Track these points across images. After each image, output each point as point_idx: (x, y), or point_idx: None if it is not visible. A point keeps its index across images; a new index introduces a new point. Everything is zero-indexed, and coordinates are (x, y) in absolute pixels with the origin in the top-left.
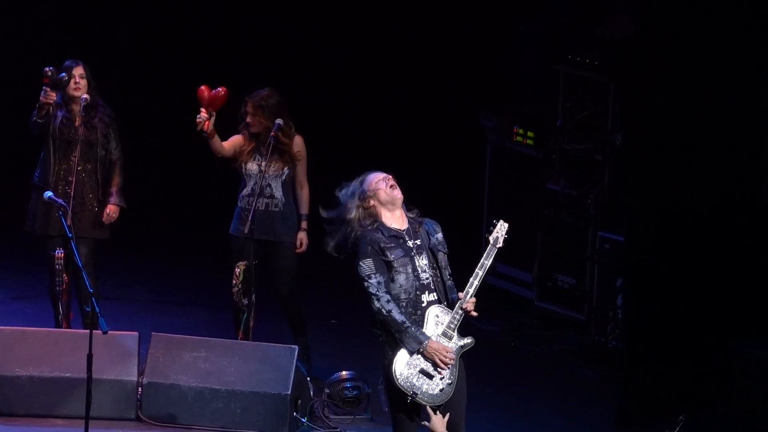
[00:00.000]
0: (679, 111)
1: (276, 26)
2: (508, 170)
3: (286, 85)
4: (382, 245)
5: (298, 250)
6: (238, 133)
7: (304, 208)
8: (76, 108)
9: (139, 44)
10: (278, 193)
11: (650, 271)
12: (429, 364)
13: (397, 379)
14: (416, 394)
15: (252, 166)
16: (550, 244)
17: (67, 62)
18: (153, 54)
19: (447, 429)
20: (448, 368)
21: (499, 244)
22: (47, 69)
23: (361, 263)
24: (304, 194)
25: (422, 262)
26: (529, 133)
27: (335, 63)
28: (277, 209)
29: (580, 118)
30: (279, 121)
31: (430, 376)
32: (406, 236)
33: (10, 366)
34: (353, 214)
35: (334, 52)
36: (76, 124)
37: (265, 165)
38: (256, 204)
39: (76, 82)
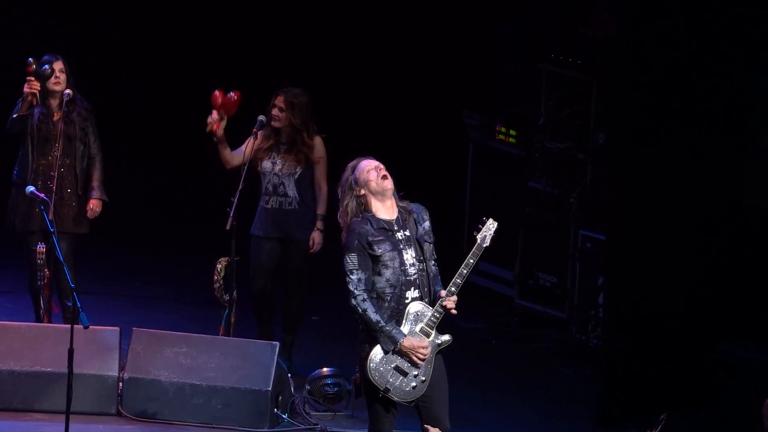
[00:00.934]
0: (661, 110)
1: (262, 25)
2: (491, 168)
3: (274, 83)
4: (370, 239)
5: (311, 250)
6: (249, 137)
7: (321, 208)
8: (54, 103)
9: (138, 37)
10: (291, 191)
11: (632, 269)
12: (404, 361)
13: (372, 374)
14: (389, 390)
15: (266, 164)
16: (532, 242)
17: (46, 57)
18: (146, 48)
19: (430, 423)
20: (422, 366)
21: (486, 243)
22: (30, 59)
23: (346, 256)
24: (322, 194)
25: (410, 255)
26: (512, 132)
27: (318, 60)
28: (290, 207)
29: (562, 116)
30: (261, 117)
31: (404, 373)
32: (396, 227)
33: None
34: (345, 202)
35: (319, 49)
36: (55, 119)
37: (278, 162)
38: (269, 203)
39: (56, 77)
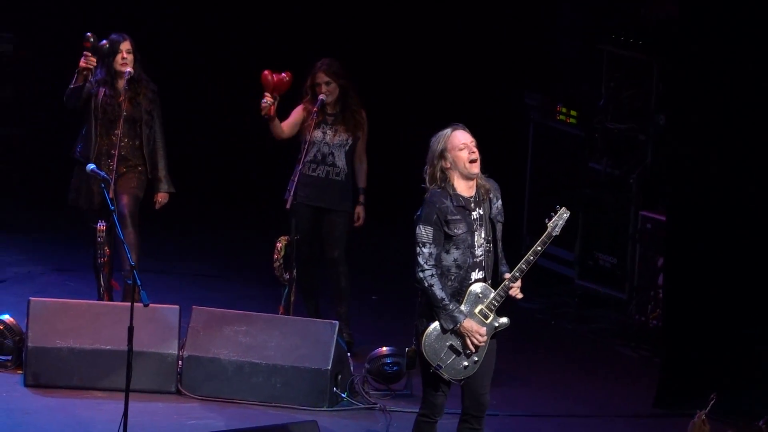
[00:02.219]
0: (722, 91)
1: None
2: (551, 149)
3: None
4: (449, 217)
5: (356, 224)
6: (297, 108)
7: (363, 182)
8: (121, 83)
9: (180, 22)
10: (341, 162)
11: (692, 251)
12: (459, 342)
13: (426, 350)
14: (440, 367)
15: (317, 133)
16: (592, 223)
17: (114, 36)
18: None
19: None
20: (477, 349)
21: (557, 232)
22: (89, 34)
23: (420, 226)
24: (363, 168)
25: (481, 236)
26: (572, 112)
27: (380, 39)
28: (338, 178)
29: (623, 97)
30: (322, 96)
31: (458, 353)
32: (473, 204)
33: (51, 338)
34: (430, 169)
35: (381, 27)
36: (120, 99)
37: (329, 132)
38: (316, 171)
39: (123, 58)
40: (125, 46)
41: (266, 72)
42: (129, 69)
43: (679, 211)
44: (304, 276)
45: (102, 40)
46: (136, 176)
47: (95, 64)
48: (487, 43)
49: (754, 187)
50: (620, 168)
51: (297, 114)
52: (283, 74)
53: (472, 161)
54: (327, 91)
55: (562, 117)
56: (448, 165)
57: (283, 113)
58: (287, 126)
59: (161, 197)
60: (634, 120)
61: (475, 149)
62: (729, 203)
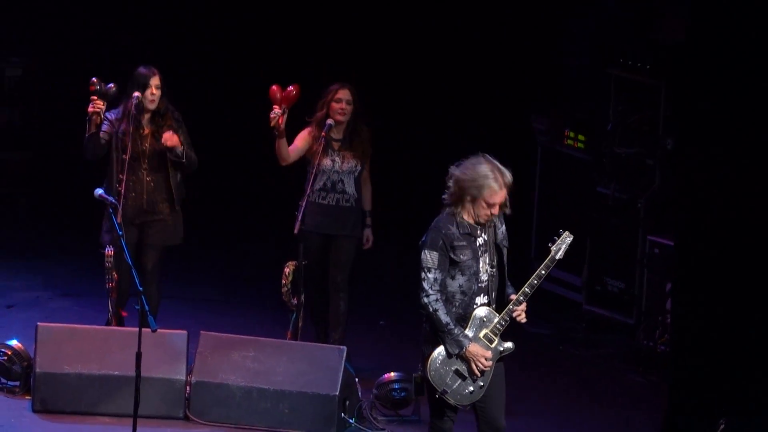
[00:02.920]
0: (730, 115)
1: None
2: (559, 173)
3: (335, 74)
4: (455, 243)
5: (365, 246)
6: (302, 132)
7: (369, 204)
8: (146, 117)
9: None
10: (350, 188)
11: (700, 276)
12: (464, 366)
13: (431, 375)
14: (446, 392)
15: (326, 162)
16: (600, 247)
17: (143, 70)
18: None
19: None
20: (483, 373)
21: (560, 256)
22: (94, 79)
23: (425, 252)
24: (368, 191)
25: (486, 261)
26: (580, 137)
27: (385, 61)
28: (348, 204)
29: (631, 121)
30: (330, 121)
31: (463, 377)
32: (478, 231)
33: (59, 363)
34: (456, 191)
35: (385, 50)
36: (145, 132)
37: (338, 160)
38: (326, 199)
39: (152, 94)
40: (155, 81)
41: (274, 87)
42: (136, 93)
43: (687, 236)
44: (318, 302)
45: (109, 83)
46: (165, 224)
47: (102, 107)
48: (496, 67)
49: (762, 211)
50: (628, 192)
51: (302, 139)
52: (290, 87)
53: (492, 213)
54: (346, 110)
55: (570, 141)
56: (467, 199)
57: (290, 134)
58: (293, 151)
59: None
60: (642, 144)
61: (499, 205)
62: (737, 228)
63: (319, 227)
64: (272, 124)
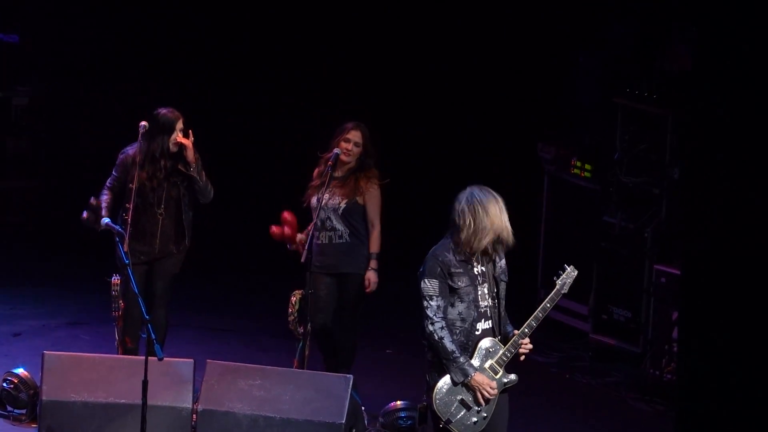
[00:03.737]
0: (738, 145)
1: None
2: (565, 202)
3: (343, 110)
4: (452, 270)
5: (367, 290)
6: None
7: (375, 247)
8: (164, 161)
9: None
10: (339, 225)
11: (707, 305)
12: (470, 396)
13: (436, 404)
14: (450, 421)
15: (314, 200)
16: (606, 276)
17: (166, 112)
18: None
19: None
20: (487, 404)
21: (565, 290)
22: (83, 215)
23: (425, 281)
24: (374, 233)
25: (484, 290)
26: (587, 166)
27: (393, 89)
28: (341, 240)
29: (637, 151)
30: (336, 150)
31: (468, 407)
32: (475, 262)
33: (65, 391)
34: (463, 229)
35: (392, 76)
36: (161, 177)
37: (325, 196)
38: (319, 238)
39: (176, 142)
40: (179, 125)
41: (273, 230)
42: (143, 123)
43: (693, 265)
44: (323, 340)
45: (102, 206)
46: (176, 257)
47: (100, 228)
48: (503, 96)
49: None
50: (635, 222)
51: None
52: (285, 215)
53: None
54: (352, 151)
55: (576, 170)
56: (470, 228)
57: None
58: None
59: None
60: (649, 173)
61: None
62: (744, 257)
63: (320, 267)
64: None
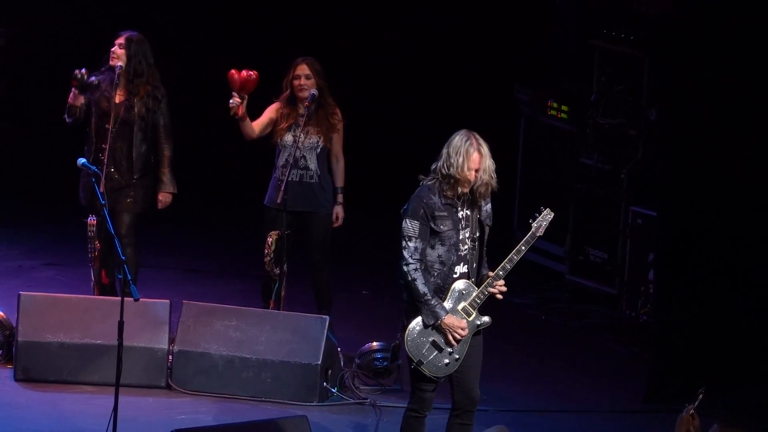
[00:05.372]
0: (714, 87)
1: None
2: (542, 144)
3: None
4: (436, 213)
5: (335, 225)
6: (270, 106)
7: (340, 181)
8: (120, 80)
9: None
10: (313, 164)
11: (683, 246)
12: (441, 338)
13: (408, 345)
14: (422, 363)
15: (288, 137)
16: (583, 218)
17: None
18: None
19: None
20: (458, 345)
21: (540, 233)
22: (76, 72)
23: (406, 220)
24: (339, 167)
25: (465, 234)
26: (564, 107)
27: (369, 35)
28: (312, 180)
29: (614, 92)
30: (314, 91)
31: (440, 349)
32: (460, 205)
33: (41, 332)
34: (443, 167)
35: (367, 24)
36: (116, 100)
37: (301, 136)
38: (289, 175)
39: (112, 52)
40: (118, 40)
41: (232, 71)
42: (119, 63)
43: (669, 207)
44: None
45: (91, 76)
46: (135, 190)
47: (83, 102)
48: (479, 38)
49: (745, 182)
50: (611, 163)
51: (269, 113)
52: (251, 72)
53: (468, 183)
54: (305, 85)
55: (553, 112)
56: (451, 176)
57: (254, 114)
58: (258, 125)
59: (163, 197)
60: (626, 115)
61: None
62: (720, 199)
63: (285, 203)
64: (231, 113)
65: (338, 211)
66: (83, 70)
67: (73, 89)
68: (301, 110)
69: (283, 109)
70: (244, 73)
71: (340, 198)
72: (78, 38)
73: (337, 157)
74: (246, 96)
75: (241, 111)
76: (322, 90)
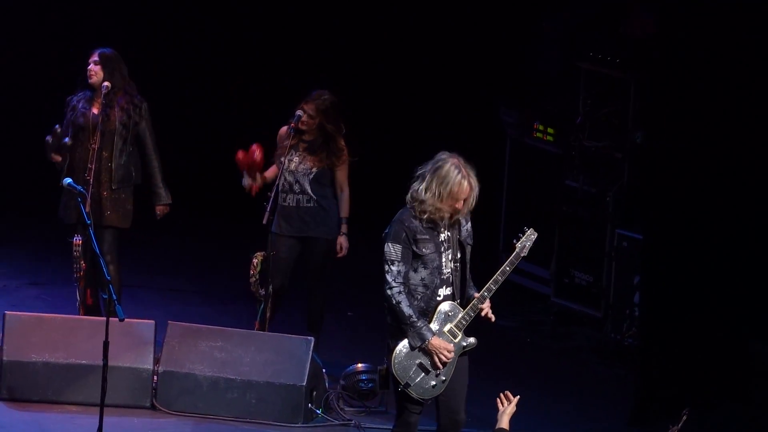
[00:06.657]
0: (699, 109)
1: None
2: (528, 166)
3: (305, 80)
4: (418, 236)
5: (339, 255)
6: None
7: (344, 211)
8: (97, 97)
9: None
10: (309, 189)
11: (667, 269)
12: (427, 360)
13: (395, 368)
14: (408, 385)
15: (285, 161)
16: (568, 240)
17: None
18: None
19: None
20: (444, 367)
21: (525, 253)
22: (48, 138)
23: (388, 244)
24: (344, 197)
25: (448, 257)
26: (549, 130)
27: (354, 56)
28: (310, 205)
29: (600, 115)
30: (299, 112)
31: (426, 371)
32: (441, 227)
33: (26, 352)
34: (418, 193)
35: (353, 44)
36: (96, 111)
37: (295, 159)
38: (285, 201)
39: (90, 70)
40: (93, 57)
41: (239, 154)
42: (106, 83)
43: (655, 230)
44: (276, 303)
45: (65, 137)
46: (115, 203)
47: (60, 160)
48: (465, 60)
49: (731, 205)
50: (597, 186)
51: (280, 140)
52: (252, 147)
53: (455, 212)
54: (305, 122)
55: (539, 134)
56: (437, 206)
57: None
58: (270, 173)
59: (160, 209)
60: (611, 138)
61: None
62: (705, 222)
63: (284, 229)
64: (247, 191)
65: (341, 241)
66: (56, 128)
67: (51, 154)
68: (307, 138)
69: (290, 130)
70: (249, 154)
71: (344, 228)
72: (56, 55)
73: (341, 187)
74: (258, 175)
75: (255, 191)
76: (325, 134)
